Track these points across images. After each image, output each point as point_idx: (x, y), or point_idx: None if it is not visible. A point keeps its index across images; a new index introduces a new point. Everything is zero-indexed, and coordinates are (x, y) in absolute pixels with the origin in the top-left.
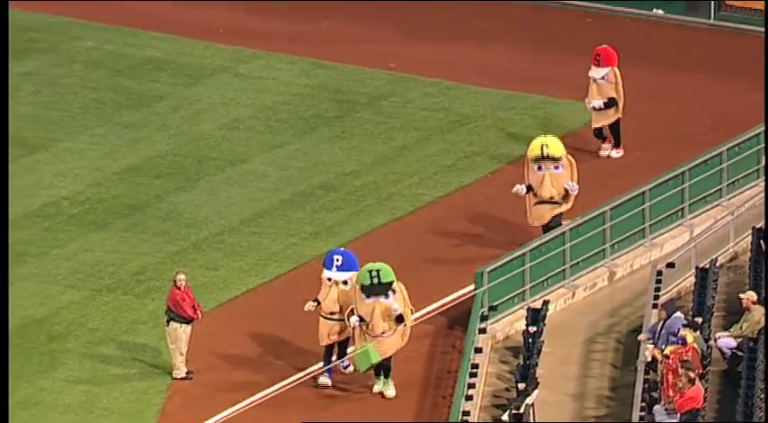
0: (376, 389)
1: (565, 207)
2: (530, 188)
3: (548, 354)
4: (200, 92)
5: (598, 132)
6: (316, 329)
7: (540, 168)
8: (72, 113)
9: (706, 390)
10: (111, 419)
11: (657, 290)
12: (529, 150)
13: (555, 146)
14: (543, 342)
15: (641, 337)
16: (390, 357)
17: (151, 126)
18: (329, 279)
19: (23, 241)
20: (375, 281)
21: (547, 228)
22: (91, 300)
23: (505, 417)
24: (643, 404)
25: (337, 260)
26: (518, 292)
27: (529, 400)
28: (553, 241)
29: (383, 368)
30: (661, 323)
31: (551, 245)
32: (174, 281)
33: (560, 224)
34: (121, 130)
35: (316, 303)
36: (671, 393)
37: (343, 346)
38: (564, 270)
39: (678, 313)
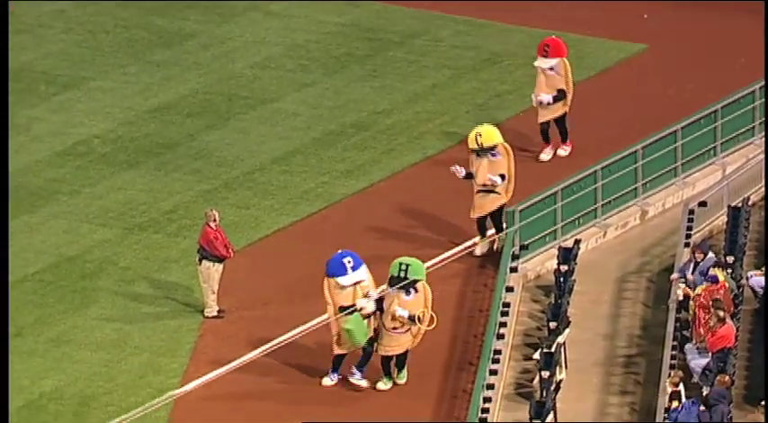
0: (380, 386)
1: (504, 198)
2: (470, 175)
3: (579, 293)
4: (232, 30)
5: (545, 127)
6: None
7: (478, 155)
8: (103, 52)
9: (738, 328)
10: (143, 357)
11: (689, 229)
12: (468, 141)
13: (488, 135)
14: (574, 281)
15: (673, 276)
16: (403, 354)
17: (182, 64)
18: (346, 285)
19: (55, 179)
20: (402, 274)
21: (483, 221)
22: (123, 238)
23: (536, 355)
24: (674, 343)
25: (348, 262)
26: (549, 230)
27: (560, 339)
28: (585, 180)
29: (397, 361)
30: (693, 263)
31: (583, 184)
32: (207, 219)
33: (502, 226)
34: (153, 69)
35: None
36: (702, 332)
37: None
38: (595, 209)
39: (710, 253)
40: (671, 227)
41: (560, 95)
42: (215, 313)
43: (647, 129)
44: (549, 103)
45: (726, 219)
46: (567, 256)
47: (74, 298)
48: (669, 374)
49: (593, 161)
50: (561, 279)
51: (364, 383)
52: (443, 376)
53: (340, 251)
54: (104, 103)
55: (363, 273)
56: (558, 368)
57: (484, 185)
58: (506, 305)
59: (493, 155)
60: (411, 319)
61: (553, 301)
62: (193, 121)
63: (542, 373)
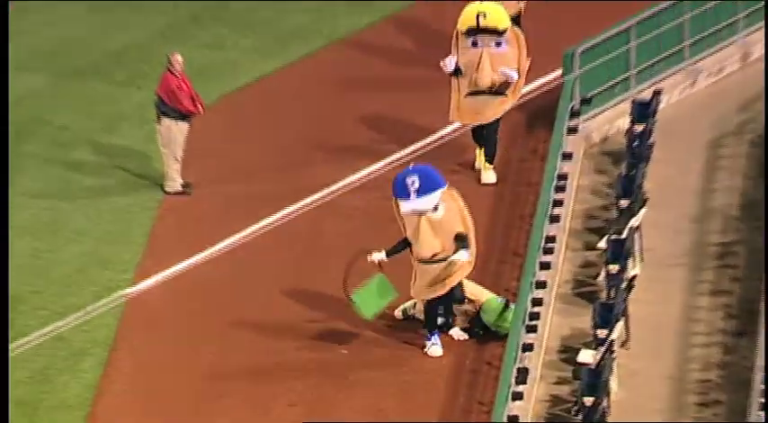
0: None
1: (511, 101)
2: (458, 71)
3: (659, 161)
4: None
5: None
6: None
7: (474, 44)
8: None
9: None
10: (85, 245)
11: None
12: (460, 21)
13: (496, 14)
14: (653, 145)
15: None
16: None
17: None
18: (405, 212)
19: None
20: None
21: (481, 130)
22: (56, 88)
23: (602, 243)
24: None
25: (412, 182)
26: (621, 78)
27: (633, 222)
28: (667, 11)
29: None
30: None
31: (665, 16)
32: (168, 63)
33: (498, 127)
34: None
35: (386, 254)
36: None
37: (447, 302)
38: (682, 49)
39: None
40: None
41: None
42: (178, 188)
43: None
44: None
45: None
46: (644, 112)
47: None
48: None
49: None
50: (635, 142)
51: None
52: (480, 270)
53: (411, 166)
54: None
55: (433, 201)
56: (630, 260)
57: (491, 87)
58: (563, 177)
59: (498, 44)
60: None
61: (624, 173)
62: None
63: (610, 266)
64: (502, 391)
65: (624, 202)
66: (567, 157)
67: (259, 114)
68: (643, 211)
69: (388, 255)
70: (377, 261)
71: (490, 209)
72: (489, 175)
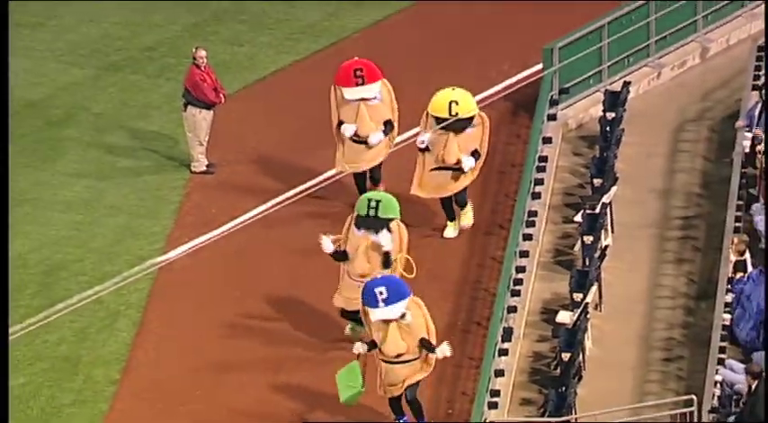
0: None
1: (471, 177)
2: (425, 147)
3: (628, 144)
4: None
5: (363, 179)
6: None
7: (444, 127)
8: None
9: None
10: (120, 219)
11: (758, 69)
12: (431, 105)
13: (466, 102)
14: (623, 130)
15: (738, 123)
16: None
17: None
18: (373, 319)
19: (14, 11)
20: (372, 212)
21: (446, 200)
22: (95, 80)
23: (578, 217)
24: (740, 202)
25: (380, 293)
26: (594, 71)
27: (606, 199)
28: (636, 12)
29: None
30: (760, 106)
31: (634, 16)
32: (193, 58)
33: (466, 200)
34: None
35: (368, 348)
36: None
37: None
38: (648, 46)
39: None
40: (736, 67)
41: (388, 128)
42: (203, 168)
43: None
44: (376, 142)
45: None
46: (615, 100)
47: (38, 149)
48: (733, 241)
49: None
50: (607, 128)
51: None
52: (469, 241)
53: (379, 276)
54: None
55: (401, 309)
56: (603, 232)
57: (456, 164)
58: (543, 159)
59: (464, 127)
60: (387, 257)
61: (598, 155)
62: None
63: (585, 238)
64: (489, 348)
65: (598, 181)
66: (547, 141)
67: (275, 103)
68: (614, 188)
69: (369, 349)
70: (359, 352)
71: (479, 187)
72: (467, 218)
